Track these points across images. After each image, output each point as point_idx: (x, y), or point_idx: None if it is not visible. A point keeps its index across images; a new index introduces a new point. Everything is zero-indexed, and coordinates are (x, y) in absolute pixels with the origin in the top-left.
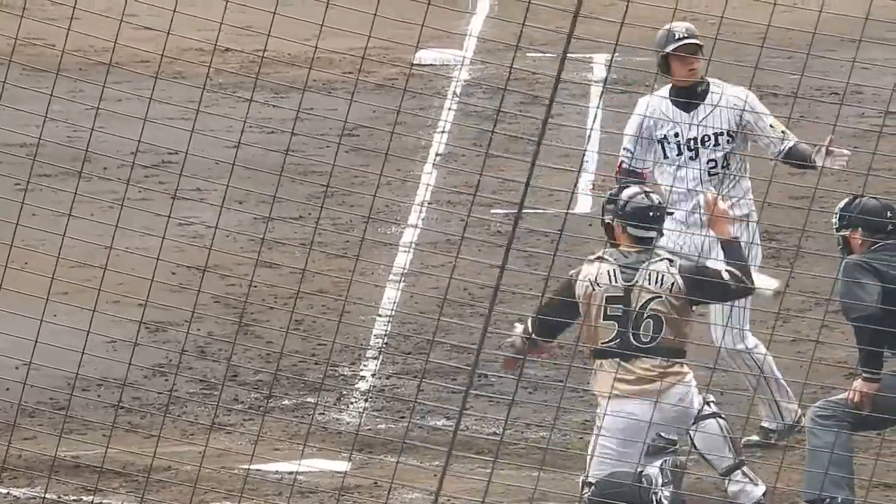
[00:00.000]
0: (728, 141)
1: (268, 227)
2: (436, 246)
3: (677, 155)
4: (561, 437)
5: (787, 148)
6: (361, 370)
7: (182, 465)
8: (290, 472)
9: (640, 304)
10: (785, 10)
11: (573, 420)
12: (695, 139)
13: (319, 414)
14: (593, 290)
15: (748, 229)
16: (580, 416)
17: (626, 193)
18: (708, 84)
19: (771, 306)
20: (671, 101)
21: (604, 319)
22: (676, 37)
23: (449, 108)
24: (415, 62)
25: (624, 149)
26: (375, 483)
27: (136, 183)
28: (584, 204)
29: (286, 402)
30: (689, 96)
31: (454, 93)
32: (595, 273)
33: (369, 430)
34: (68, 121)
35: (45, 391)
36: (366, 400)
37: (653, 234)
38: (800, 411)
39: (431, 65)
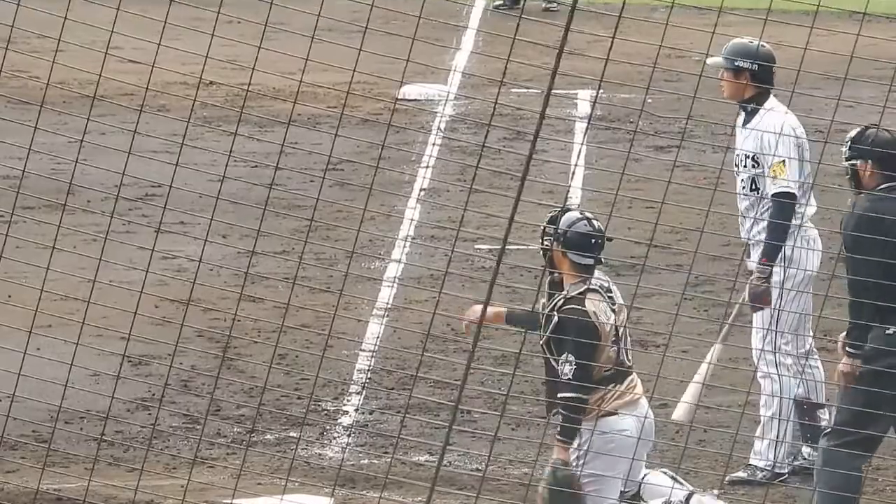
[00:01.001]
0: (753, 165)
1: (251, 260)
2: (419, 281)
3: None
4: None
5: (770, 193)
6: (344, 405)
7: (165, 498)
8: None
9: (622, 324)
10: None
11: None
12: (737, 154)
13: (302, 448)
14: (605, 321)
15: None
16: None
17: (566, 218)
18: (759, 105)
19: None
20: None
21: (609, 348)
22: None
23: (433, 144)
24: (399, 97)
25: None
26: None
27: (120, 216)
28: None
29: (269, 436)
30: (743, 112)
31: (439, 128)
32: (601, 308)
33: (352, 465)
34: (52, 153)
35: (27, 423)
36: (349, 435)
37: (590, 261)
38: (790, 462)
39: (416, 100)
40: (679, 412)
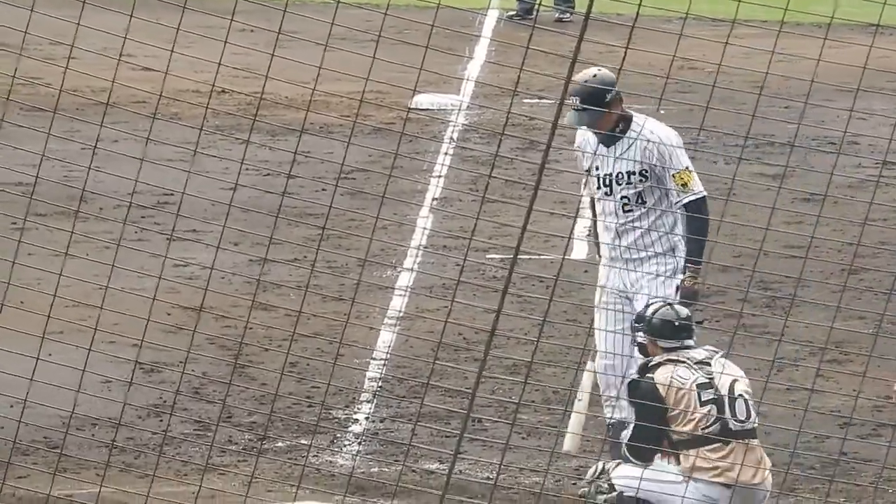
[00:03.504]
0: (641, 180)
1: (263, 268)
2: (431, 290)
3: (597, 188)
4: (554, 483)
5: (682, 202)
6: (355, 413)
7: None
8: None
9: (727, 388)
10: (782, 58)
11: (567, 465)
12: (610, 175)
13: (313, 456)
14: (681, 383)
15: (675, 265)
16: (574, 462)
17: (650, 310)
18: (629, 121)
19: (766, 354)
20: (597, 134)
21: (701, 405)
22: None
23: (446, 153)
24: (412, 106)
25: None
26: None
27: (133, 223)
28: (581, 250)
29: (280, 444)
30: (609, 132)
31: (451, 137)
32: (673, 370)
33: (363, 473)
34: (65, 160)
35: (39, 430)
36: (360, 443)
37: (687, 342)
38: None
39: (428, 109)
40: (567, 444)
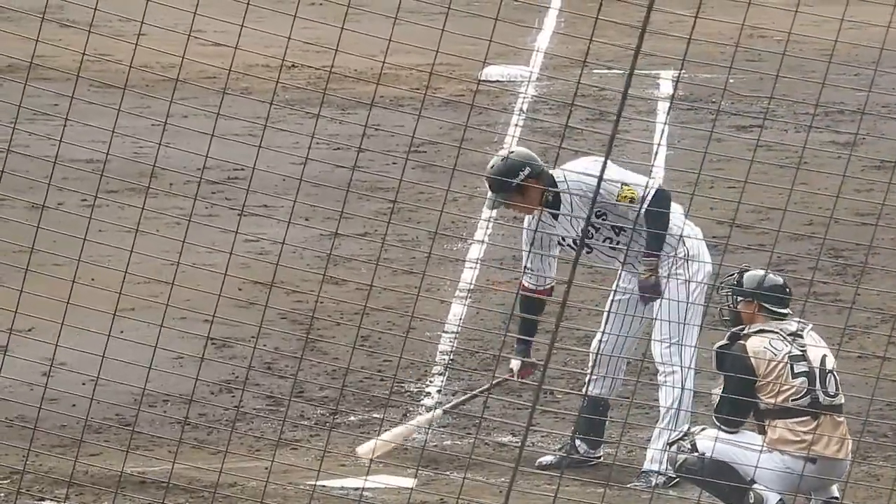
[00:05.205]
0: (602, 220)
1: (334, 243)
2: (502, 262)
3: (584, 252)
4: (626, 454)
5: (642, 212)
6: (427, 386)
7: (248, 480)
8: (356, 488)
9: (818, 361)
10: (851, 26)
11: (639, 436)
12: (577, 238)
13: (385, 430)
14: (774, 354)
15: (684, 253)
16: (645, 433)
17: (750, 275)
18: (553, 184)
19: (837, 322)
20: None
21: (793, 378)
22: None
23: (515, 125)
24: (481, 78)
25: (525, 268)
26: (441, 499)
27: (203, 199)
28: None
29: (352, 418)
30: (548, 207)
31: (521, 109)
32: (767, 340)
33: (435, 446)
34: (135, 136)
35: (111, 407)
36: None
37: (787, 309)
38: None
39: (498, 81)
40: (364, 447)
